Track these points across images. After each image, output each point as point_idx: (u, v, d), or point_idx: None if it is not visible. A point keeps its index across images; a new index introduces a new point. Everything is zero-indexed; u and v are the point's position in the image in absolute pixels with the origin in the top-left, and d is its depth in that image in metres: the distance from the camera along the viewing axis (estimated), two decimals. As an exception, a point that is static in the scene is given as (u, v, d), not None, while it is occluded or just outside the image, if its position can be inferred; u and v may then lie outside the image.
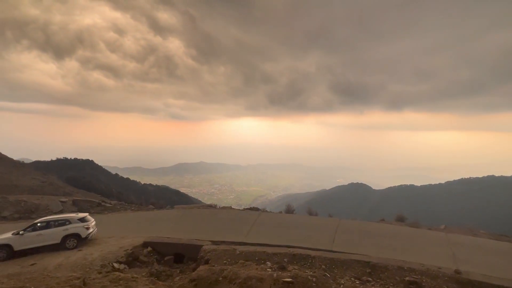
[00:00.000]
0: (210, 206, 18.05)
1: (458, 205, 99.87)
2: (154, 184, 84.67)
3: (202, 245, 9.71)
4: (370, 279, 7.31)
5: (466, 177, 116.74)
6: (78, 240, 10.80)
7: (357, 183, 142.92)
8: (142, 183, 79.72)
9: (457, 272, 7.52)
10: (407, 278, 7.10)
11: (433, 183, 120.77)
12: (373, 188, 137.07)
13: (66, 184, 31.40)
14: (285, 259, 8.23)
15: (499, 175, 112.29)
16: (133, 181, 75.62)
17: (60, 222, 11.04)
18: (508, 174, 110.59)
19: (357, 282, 7.01)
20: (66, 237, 10.75)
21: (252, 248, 9.14)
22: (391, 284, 7.04)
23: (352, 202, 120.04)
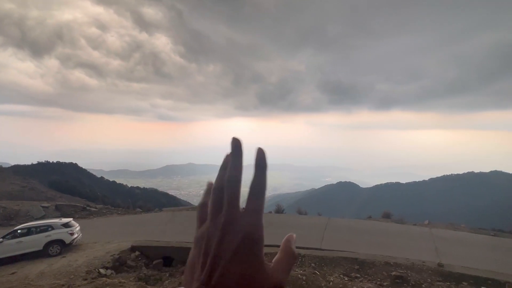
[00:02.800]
0: (199, 208, 17.86)
1: (441, 201, 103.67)
2: (142, 187, 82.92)
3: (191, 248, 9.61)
4: (358, 275, 7.47)
5: (448, 174, 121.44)
6: (62, 247, 10.43)
7: (346, 182, 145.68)
8: (129, 186, 77.95)
9: (440, 265, 7.81)
10: (393, 273, 7.31)
11: (417, 180, 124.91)
12: (361, 186, 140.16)
13: (49, 189, 30.26)
14: (275, 259, 8.28)
15: (478, 171, 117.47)
16: (120, 184, 73.79)
17: (42, 228, 10.63)
18: (487, 170, 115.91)
19: (346, 278, 7.15)
20: (48, 244, 10.36)
21: (242, 249, 9.13)
22: (379, 279, 7.23)
23: (341, 200, 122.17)
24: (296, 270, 7.22)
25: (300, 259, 8.31)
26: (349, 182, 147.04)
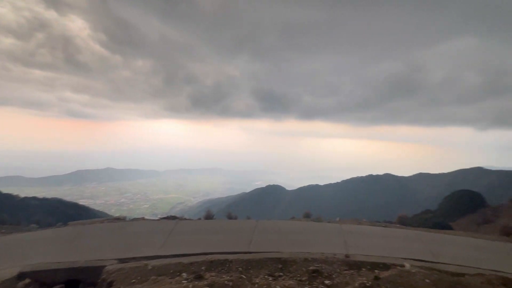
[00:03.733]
0: (118, 218, 15.83)
1: (350, 200, 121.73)
2: (41, 197, 68.14)
3: (105, 266, 8.38)
4: (281, 274, 7.96)
5: (355, 176, 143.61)
6: None
7: (274, 185, 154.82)
8: (22, 196, 62.83)
9: (347, 256, 9.09)
10: (311, 268, 8.09)
11: (333, 182, 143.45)
12: (287, 189, 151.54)
13: None
14: (203, 267, 8.03)
15: (376, 174, 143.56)
16: (7, 194, 58.70)
17: None
18: (381, 173, 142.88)
19: (270, 278, 7.51)
20: None
21: (166, 261, 8.51)
22: (298, 275, 7.87)
23: (269, 203, 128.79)
24: (223, 276, 7.18)
25: (228, 265, 8.29)
26: (277, 185, 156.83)
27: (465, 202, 47.09)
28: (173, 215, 19.43)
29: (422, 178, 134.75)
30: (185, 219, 16.42)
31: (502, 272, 7.37)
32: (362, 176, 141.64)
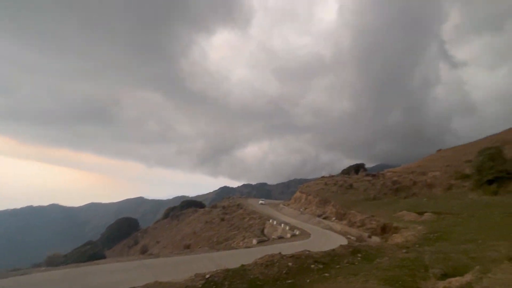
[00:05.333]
0: None
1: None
2: None
3: None
4: None
5: (5, 209, 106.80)
6: None
7: None
8: None
9: None
10: None
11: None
12: None
13: None
14: None
15: (38, 205, 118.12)
16: None
17: None
18: (46, 204, 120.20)
19: None
20: None
21: None
22: None
23: None
24: None
25: None
26: None
27: (123, 228, 53.42)
28: None
29: (93, 207, 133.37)
30: None
31: (134, 286, 8.61)
32: (16, 209, 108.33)
